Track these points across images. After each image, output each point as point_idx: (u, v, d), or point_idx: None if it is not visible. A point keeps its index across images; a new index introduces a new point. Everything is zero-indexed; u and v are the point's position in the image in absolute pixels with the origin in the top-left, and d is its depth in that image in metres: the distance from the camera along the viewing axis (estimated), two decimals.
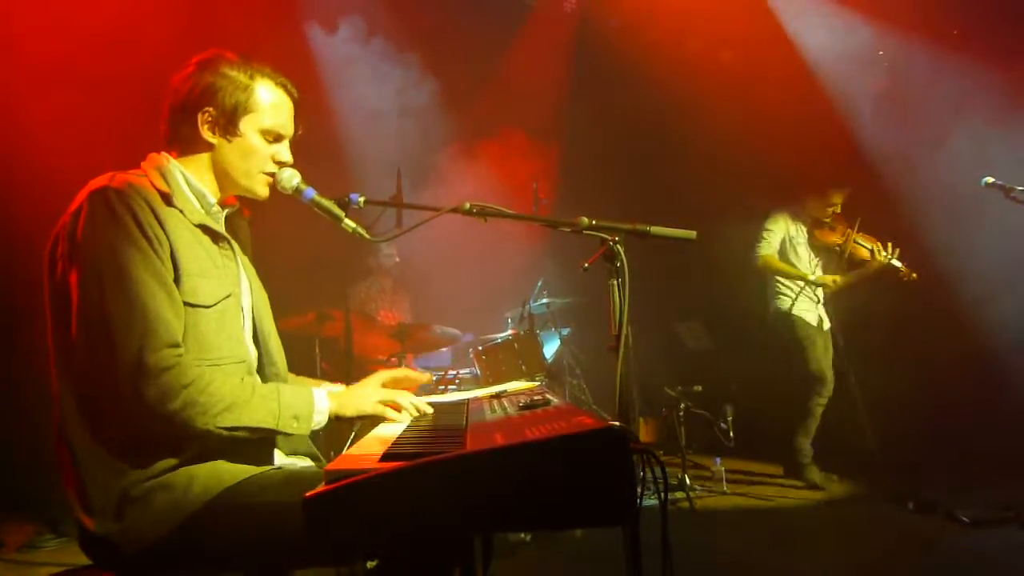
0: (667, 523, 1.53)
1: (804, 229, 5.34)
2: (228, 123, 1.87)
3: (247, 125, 1.89)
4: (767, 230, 5.34)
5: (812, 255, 5.31)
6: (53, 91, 4.45)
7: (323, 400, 1.86)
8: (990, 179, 4.59)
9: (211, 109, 1.85)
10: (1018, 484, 4.48)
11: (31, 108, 4.40)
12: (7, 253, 4.38)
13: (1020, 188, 4.52)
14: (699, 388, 6.02)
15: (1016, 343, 4.93)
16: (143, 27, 4.55)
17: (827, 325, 5.34)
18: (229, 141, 1.88)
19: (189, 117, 1.85)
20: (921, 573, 3.61)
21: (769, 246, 5.31)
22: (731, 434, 5.51)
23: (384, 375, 2.12)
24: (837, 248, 5.20)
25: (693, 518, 4.65)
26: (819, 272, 5.32)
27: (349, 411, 1.91)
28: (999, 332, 5.05)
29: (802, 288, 5.24)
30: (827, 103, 6.19)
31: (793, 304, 5.23)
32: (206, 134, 1.86)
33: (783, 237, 5.32)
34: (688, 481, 5.10)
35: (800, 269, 5.27)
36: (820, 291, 5.34)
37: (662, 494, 1.47)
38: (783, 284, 5.33)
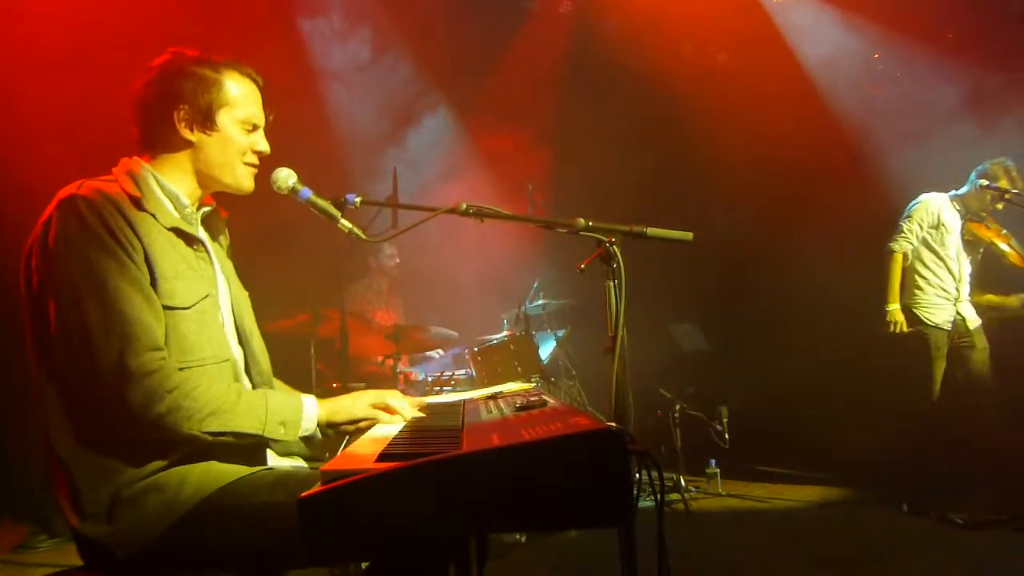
0: (663, 524, 1.53)
1: (959, 218, 4.84)
2: (205, 119, 1.86)
3: (224, 118, 1.88)
4: (909, 220, 4.84)
5: (961, 247, 4.84)
6: (44, 90, 4.43)
7: (312, 407, 1.85)
8: (984, 181, 4.62)
9: (186, 107, 1.84)
10: (1012, 486, 4.49)
11: (19, 107, 4.38)
12: None
13: (1015, 191, 4.55)
14: (693, 390, 6.04)
15: (1013, 344, 4.93)
16: (136, 27, 4.53)
17: (973, 324, 4.84)
18: (209, 136, 1.87)
19: (164, 118, 1.84)
20: (914, 575, 3.62)
21: (905, 242, 4.83)
22: (726, 436, 5.52)
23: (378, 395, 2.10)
24: (984, 247, 4.86)
25: (688, 520, 4.66)
26: (967, 266, 4.86)
27: (341, 416, 1.91)
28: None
29: (940, 284, 4.81)
30: (824, 105, 6.20)
31: (916, 301, 4.82)
32: (184, 132, 1.85)
33: (932, 223, 4.80)
34: (683, 483, 5.12)
35: (941, 260, 4.79)
36: (962, 287, 4.87)
37: (658, 495, 1.47)
38: (919, 276, 4.84)
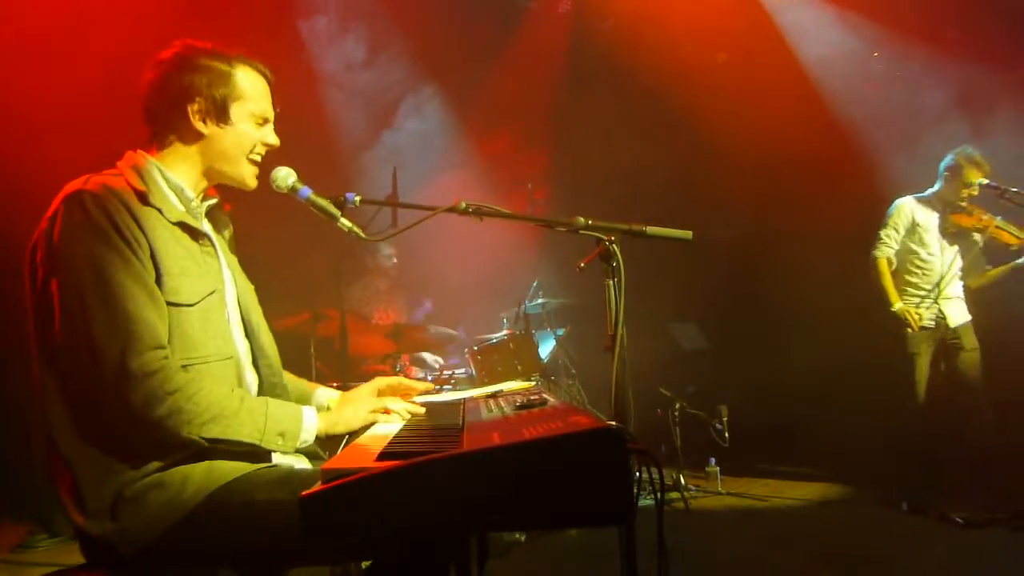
0: (663, 523, 1.53)
1: (936, 215, 4.85)
2: (220, 112, 1.87)
3: (237, 112, 1.89)
4: (886, 226, 4.92)
5: (945, 243, 4.82)
6: (43, 89, 4.44)
7: (311, 419, 1.84)
8: (984, 180, 4.61)
9: (200, 100, 1.84)
10: (1003, 488, 4.50)
11: (20, 105, 4.38)
12: None
13: (1014, 189, 4.54)
14: (693, 389, 6.04)
15: (1013, 345, 4.93)
16: (132, 24, 4.53)
17: (954, 322, 4.80)
18: (222, 129, 1.88)
19: (178, 111, 1.84)
20: (914, 573, 3.62)
21: (886, 248, 4.90)
22: (726, 434, 5.51)
23: (380, 382, 2.12)
24: (975, 233, 4.77)
25: (688, 519, 4.66)
26: (949, 260, 4.79)
27: (339, 428, 1.91)
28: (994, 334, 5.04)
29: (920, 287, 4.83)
30: (824, 105, 6.19)
31: (903, 303, 4.82)
32: (197, 125, 1.85)
33: (907, 226, 4.88)
34: (683, 481, 5.12)
35: (924, 260, 4.83)
36: (946, 284, 4.79)
37: (658, 494, 1.47)
38: (902, 278, 4.89)
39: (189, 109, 1.84)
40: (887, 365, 5.01)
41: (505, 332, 5.72)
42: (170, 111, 1.85)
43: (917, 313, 4.74)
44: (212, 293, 1.81)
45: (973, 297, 4.92)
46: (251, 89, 1.92)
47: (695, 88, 6.20)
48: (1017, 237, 4.65)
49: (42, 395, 1.69)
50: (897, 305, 4.79)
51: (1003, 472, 4.52)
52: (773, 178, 6.05)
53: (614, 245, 2.00)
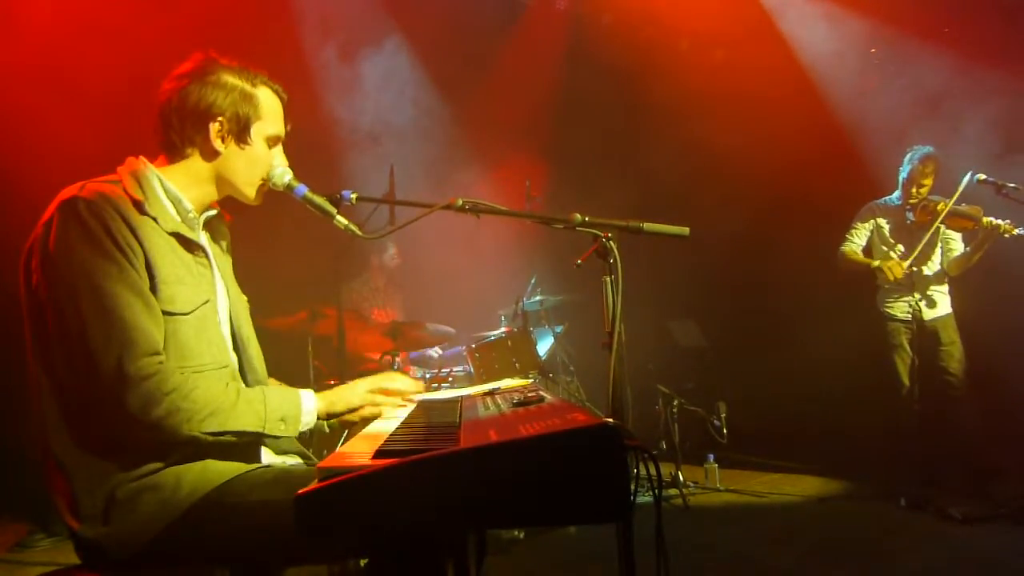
0: (661, 520, 1.53)
1: (899, 214, 4.97)
2: (241, 132, 1.87)
3: (256, 133, 1.90)
4: (851, 229, 5.18)
5: (914, 239, 4.84)
6: (42, 91, 4.42)
7: (310, 400, 1.85)
8: (982, 176, 4.60)
9: (223, 119, 1.84)
10: (1010, 482, 4.51)
11: (20, 107, 4.37)
12: None
13: (1012, 185, 4.54)
14: (691, 385, 6.04)
15: (1012, 341, 4.94)
16: (134, 27, 4.52)
17: (929, 315, 4.89)
18: (241, 149, 1.89)
19: (199, 127, 1.84)
20: (912, 570, 3.62)
21: (849, 243, 5.14)
22: (724, 431, 5.52)
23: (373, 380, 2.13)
24: (939, 225, 4.75)
25: (686, 515, 4.67)
26: (919, 255, 4.80)
27: (339, 407, 1.92)
28: (992, 332, 5.04)
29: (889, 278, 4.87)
30: (820, 101, 6.19)
31: (879, 297, 5.07)
32: (216, 143, 1.85)
33: (871, 229, 5.12)
34: (682, 478, 5.13)
35: (893, 256, 4.95)
36: (920, 279, 4.87)
37: (656, 491, 1.47)
38: (877, 276, 5.08)
39: (211, 127, 1.84)
40: (882, 360, 5.03)
41: (503, 329, 5.71)
42: (190, 126, 1.84)
43: (897, 265, 4.80)
44: (206, 303, 1.81)
45: (956, 287, 4.98)
46: (270, 111, 1.93)
47: (694, 85, 6.19)
48: (970, 218, 4.63)
49: (38, 399, 1.69)
50: (875, 263, 4.94)
51: (988, 463, 4.57)
52: (772, 174, 6.03)
53: (611, 242, 2.00)
